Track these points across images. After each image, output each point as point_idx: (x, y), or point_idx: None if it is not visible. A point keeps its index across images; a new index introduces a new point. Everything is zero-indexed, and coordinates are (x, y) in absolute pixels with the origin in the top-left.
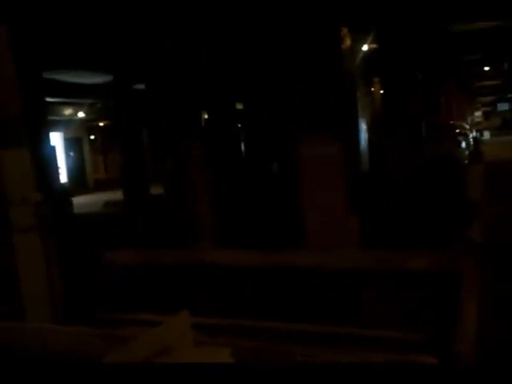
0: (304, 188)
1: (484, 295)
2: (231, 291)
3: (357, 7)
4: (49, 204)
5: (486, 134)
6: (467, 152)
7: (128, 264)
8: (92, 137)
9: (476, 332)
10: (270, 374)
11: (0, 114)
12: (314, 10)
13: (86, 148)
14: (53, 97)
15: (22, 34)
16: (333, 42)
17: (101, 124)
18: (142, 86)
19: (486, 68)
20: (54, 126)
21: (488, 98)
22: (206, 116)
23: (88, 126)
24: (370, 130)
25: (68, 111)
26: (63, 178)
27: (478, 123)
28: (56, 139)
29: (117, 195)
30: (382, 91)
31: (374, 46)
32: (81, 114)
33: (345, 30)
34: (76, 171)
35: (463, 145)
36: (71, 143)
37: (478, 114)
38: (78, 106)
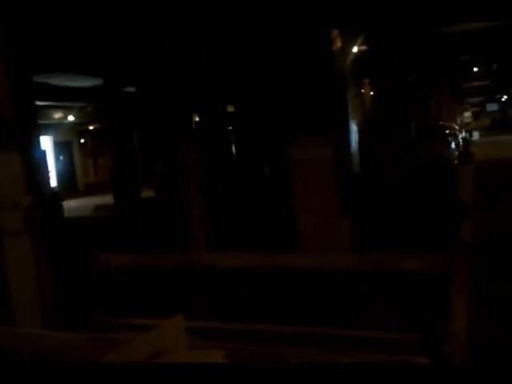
0: (296, 190)
1: (475, 296)
2: (226, 294)
3: (348, 9)
4: (39, 208)
5: (476, 135)
6: (457, 152)
7: (122, 267)
8: (82, 140)
9: (466, 332)
10: (264, 375)
11: None
12: (306, 12)
13: (76, 152)
14: (43, 100)
15: (13, 36)
16: (324, 45)
17: (91, 127)
18: (132, 89)
19: (475, 69)
20: (44, 129)
21: (477, 99)
22: (198, 118)
23: (78, 129)
24: (360, 131)
25: (58, 115)
26: (53, 181)
27: (468, 123)
28: (46, 143)
29: (107, 199)
30: (372, 93)
31: (363, 47)
32: (71, 118)
33: (335, 32)
34: (66, 175)
35: (453, 145)
36: (61, 147)
37: (467, 114)
38: (68, 110)
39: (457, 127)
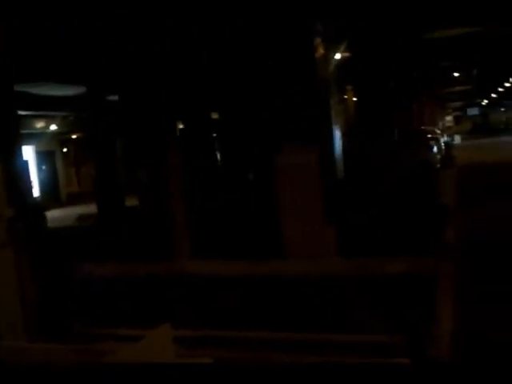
0: (280, 197)
1: (460, 298)
2: (211, 302)
3: (330, 16)
4: (22, 219)
5: (457, 138)
6: (439, 156)
7: (105, 277)
8: (65, 150)
9: (451, 335)
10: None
11: None
12: (289, 21)
13: (59, 161)
14: (25, 110)
15: None
16: (307, 52)
17: (74, 136)
18: (115, 98)
19: (456, 74)
20: (26, 139)
21: (458, 103)
22: (182, 126)
23: (61, 138)
24: (344, 137)
25: (40, 124)
26: (36, 192)
27: (449, 128)
28: (28, 153)
29: (91, 208)
30: (355, 99)
31: (346, 54)
32: (53, 127)
33: (318, 40)
34: (49, 185)
35: (435, 149)
36: (44, 156)
37: (448, 118)
38: (50, 119)
39: (439, 131)
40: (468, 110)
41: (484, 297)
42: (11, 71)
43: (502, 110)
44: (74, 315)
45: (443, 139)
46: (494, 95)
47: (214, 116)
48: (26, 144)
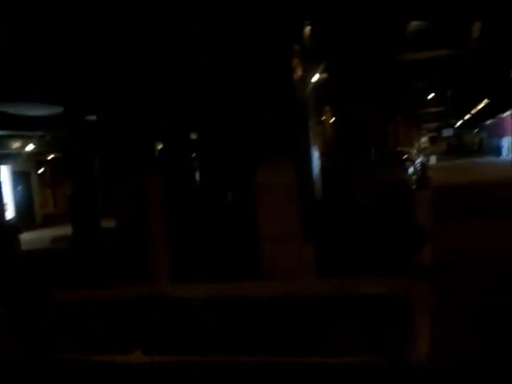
0: (258, 216)
1: (437, 318)
2: (187, 324)
3: (307, 35)
4: None
5: (433, 159)
6: (415, 177)
7: (80, 300)
8: (41, 170)
9: (428, 353)
10: None
11: None
12: (267, 41)
13: (35, 182)
14: (1, 129)
15: None
16: (285, 73)
17: (50, 157)
18: (93, 117)
19: (431, 95)
20: (1, 159)
21: (433, 124)
22: (161, 146)
23: (37, 159)
24: (322, 157)
25: (16, 144)
26: (10, 213)
27: (425, 148)
28: (3, 173)
29: (66, 230)
30: (332, 119)
31: (324, 75)
32: (29, 147)
33: (296, 61)
34: (24, 206)
35: (411, 170)
36: (19, 177)
37: (424, 139)
38: (26, 139)
39: (414, 152)
40: (443, 131)
41: (460, 317)
42: None
43: (476, 131)
44: (50, 342)
45: (419, 160)
46: (467, 116)
47: (193, 136)
48: (2, 164)
